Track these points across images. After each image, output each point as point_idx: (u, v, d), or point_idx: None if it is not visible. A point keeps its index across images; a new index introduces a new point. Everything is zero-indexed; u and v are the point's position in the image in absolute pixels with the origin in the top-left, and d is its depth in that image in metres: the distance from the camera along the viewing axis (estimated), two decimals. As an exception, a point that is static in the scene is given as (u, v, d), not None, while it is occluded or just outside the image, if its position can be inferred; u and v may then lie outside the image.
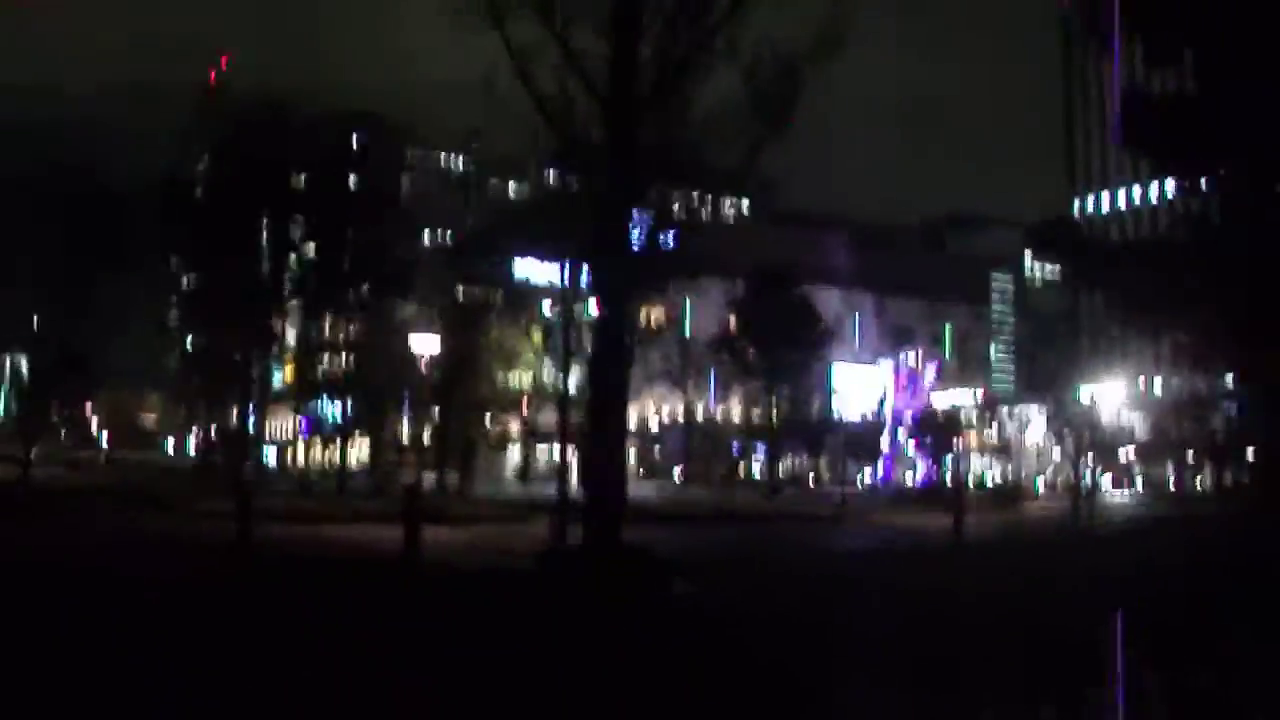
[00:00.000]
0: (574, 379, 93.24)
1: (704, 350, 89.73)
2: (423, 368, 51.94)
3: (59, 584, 21.30)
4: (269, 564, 26.59)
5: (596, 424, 25.34)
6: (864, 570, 31.90)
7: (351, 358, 75.31)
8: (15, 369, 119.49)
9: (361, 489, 61.20)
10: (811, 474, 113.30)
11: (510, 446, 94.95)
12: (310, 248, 69.20)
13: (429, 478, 66.28)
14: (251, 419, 69.34)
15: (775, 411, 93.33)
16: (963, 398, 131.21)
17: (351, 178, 74.35)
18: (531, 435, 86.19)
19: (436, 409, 75.16)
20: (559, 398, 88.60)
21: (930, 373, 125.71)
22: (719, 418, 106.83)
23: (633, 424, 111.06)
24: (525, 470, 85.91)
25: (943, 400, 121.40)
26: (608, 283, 26.18)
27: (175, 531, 34.76)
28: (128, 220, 64.10)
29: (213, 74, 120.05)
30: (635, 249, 27.46)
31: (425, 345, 55.08)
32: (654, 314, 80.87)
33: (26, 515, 37.91)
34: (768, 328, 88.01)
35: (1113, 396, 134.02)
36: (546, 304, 71.48)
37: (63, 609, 18.24)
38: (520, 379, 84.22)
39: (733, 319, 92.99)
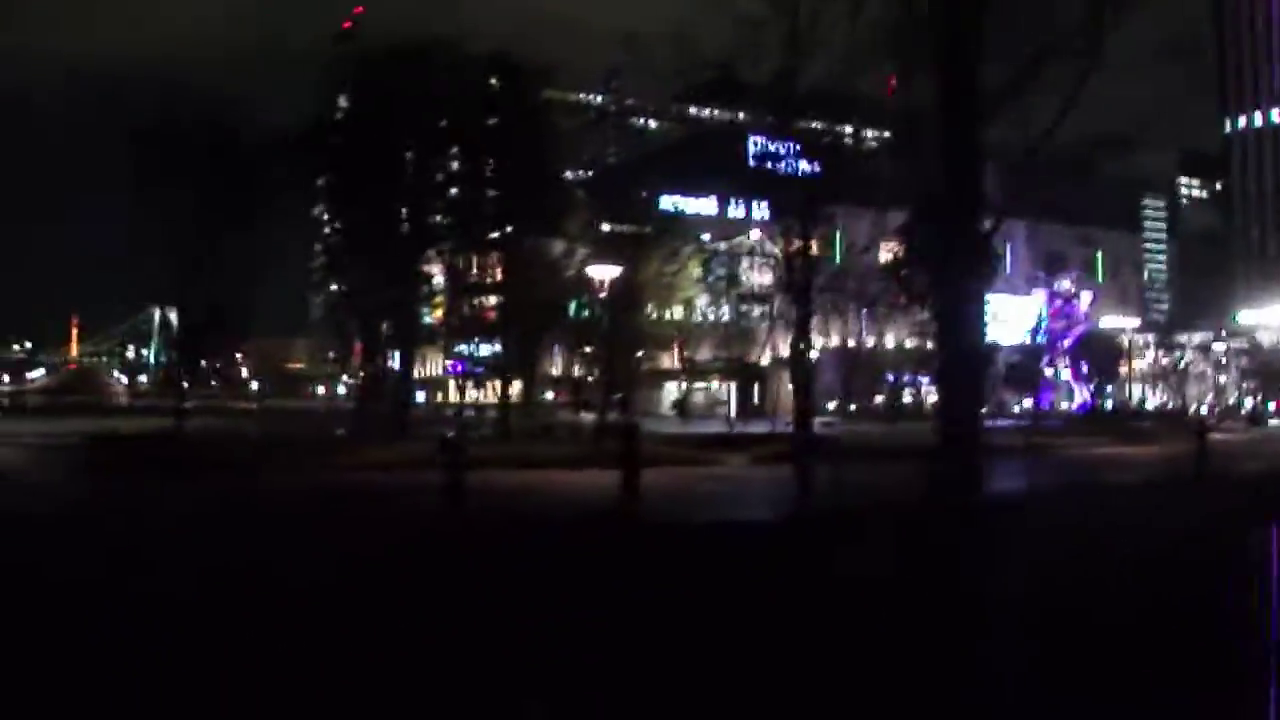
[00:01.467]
0: (724, 313, 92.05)
1: (864, 279, 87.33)
2: (599, 295, 49.90)
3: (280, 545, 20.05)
4: (489, 522, 24.42)
5: (952, 356, 22.69)
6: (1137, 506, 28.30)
7: (502, 297, 73.96)
8: (165, 321, 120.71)
9: (526, 430, 60.57)
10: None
11: (665, 384, 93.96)
12: (455, 187, 68.15)
13: (587, 417, 65.29)
14: (400, 362, 68.75)
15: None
16: (1120, 324, 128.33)
17: (493, 117, 73.03)
18: (689, 371, 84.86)
19: (589, 347, 74.20)
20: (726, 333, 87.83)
21: (1085, 299, 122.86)
22: (875, 348, 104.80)
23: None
24: (684, 406, 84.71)
25: (1100, 327, 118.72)
26: (959, 196, 23.93)
27: (360, 485, 33.21)
28: (269, 168, 63.41)
29: (347, 23, 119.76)
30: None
31: (604, 273, 52.92)
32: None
33: (188, 469, 35.77)
34: (936, 254, 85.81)
35: (1276, 321, 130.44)
36: (706, 236, 69.85)
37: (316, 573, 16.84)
38: (675, 314, 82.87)
39: (895, 248, 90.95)
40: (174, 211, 59.91)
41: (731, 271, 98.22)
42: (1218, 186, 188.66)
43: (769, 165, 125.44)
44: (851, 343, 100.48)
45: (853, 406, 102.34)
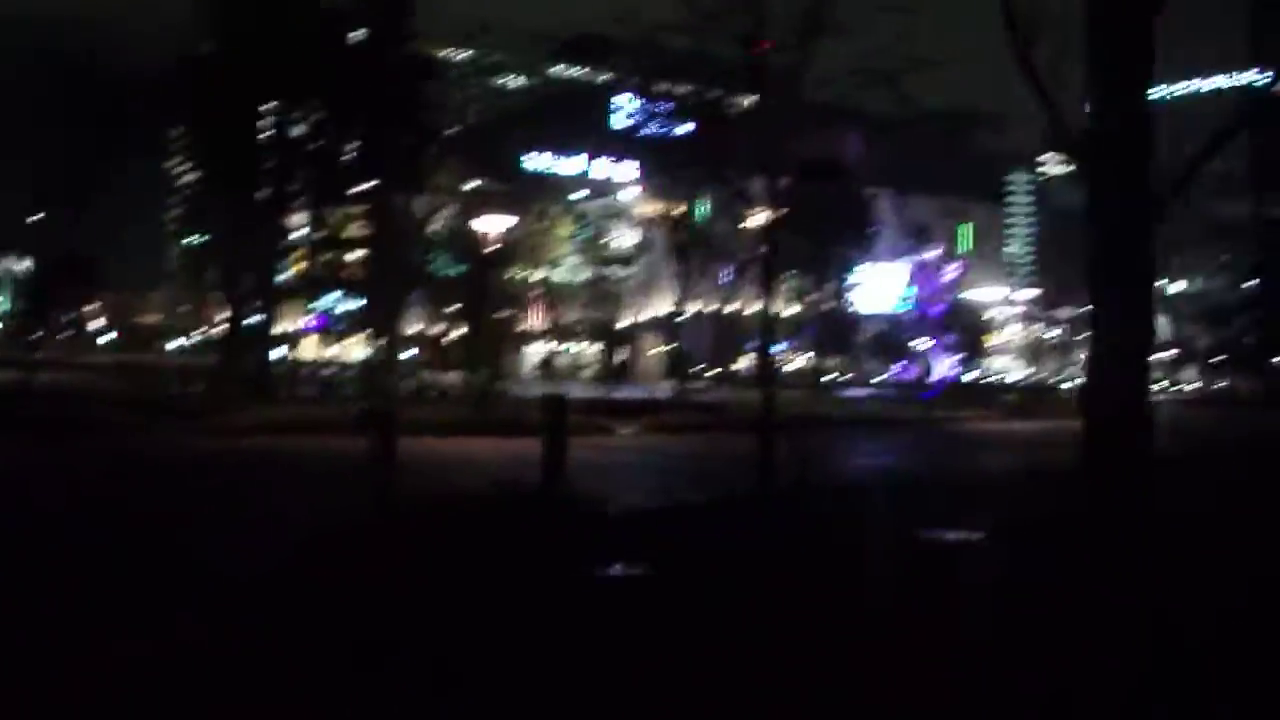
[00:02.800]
0: (587, 274, 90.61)
1: (725, 242, 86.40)
2: (483, 251, 47.15)
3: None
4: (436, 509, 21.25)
5: (1110, 316, 19.22)
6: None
7: (366, 252, 72.12)
8: (14, 272, 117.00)
9: (398, 391, 59.09)
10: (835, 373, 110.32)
11: (528, 346, 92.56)
12: (317, 139, 66.03)
13: (448, 377, 63.88)
14: (258, 318, 66.73)
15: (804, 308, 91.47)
16: (984, 297, 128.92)
17: (356, 67, 70.94)
18: (556, 332, 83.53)
19: (452, 306, 72.78)
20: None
21: (952, 270, 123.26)
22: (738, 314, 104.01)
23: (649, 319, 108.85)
24: (549, 368, 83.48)
25: (966, 299, 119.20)
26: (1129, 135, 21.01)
27: (241, 451, 30.83)
28: (127, 115, 61.13)
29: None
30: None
31: (492, 225, 49.70)
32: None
33: (38, 429, 32.34)
34: (816, 220, 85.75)
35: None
36: (580, 195, 68.46)
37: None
38: (539, 274, 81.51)
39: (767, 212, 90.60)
40: (33, 151, 57.77)
41: (598, 232, 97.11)
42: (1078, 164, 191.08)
43: (636, 127, 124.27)
44: (722, 308, 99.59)
45: (715, 371, 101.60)
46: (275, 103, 63.18)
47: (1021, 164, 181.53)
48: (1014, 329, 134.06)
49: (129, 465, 27.07)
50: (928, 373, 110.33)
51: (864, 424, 52.24)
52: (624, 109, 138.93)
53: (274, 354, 70.83)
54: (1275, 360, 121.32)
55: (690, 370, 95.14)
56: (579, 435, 38.13)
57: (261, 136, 63.07)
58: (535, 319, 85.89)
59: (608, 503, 16.99)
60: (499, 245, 66.18)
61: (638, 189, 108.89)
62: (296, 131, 64.43)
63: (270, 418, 36.98)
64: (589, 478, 20.12)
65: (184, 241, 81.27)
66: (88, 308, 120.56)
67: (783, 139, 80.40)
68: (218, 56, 63.28)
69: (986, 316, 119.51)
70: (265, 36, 59.79)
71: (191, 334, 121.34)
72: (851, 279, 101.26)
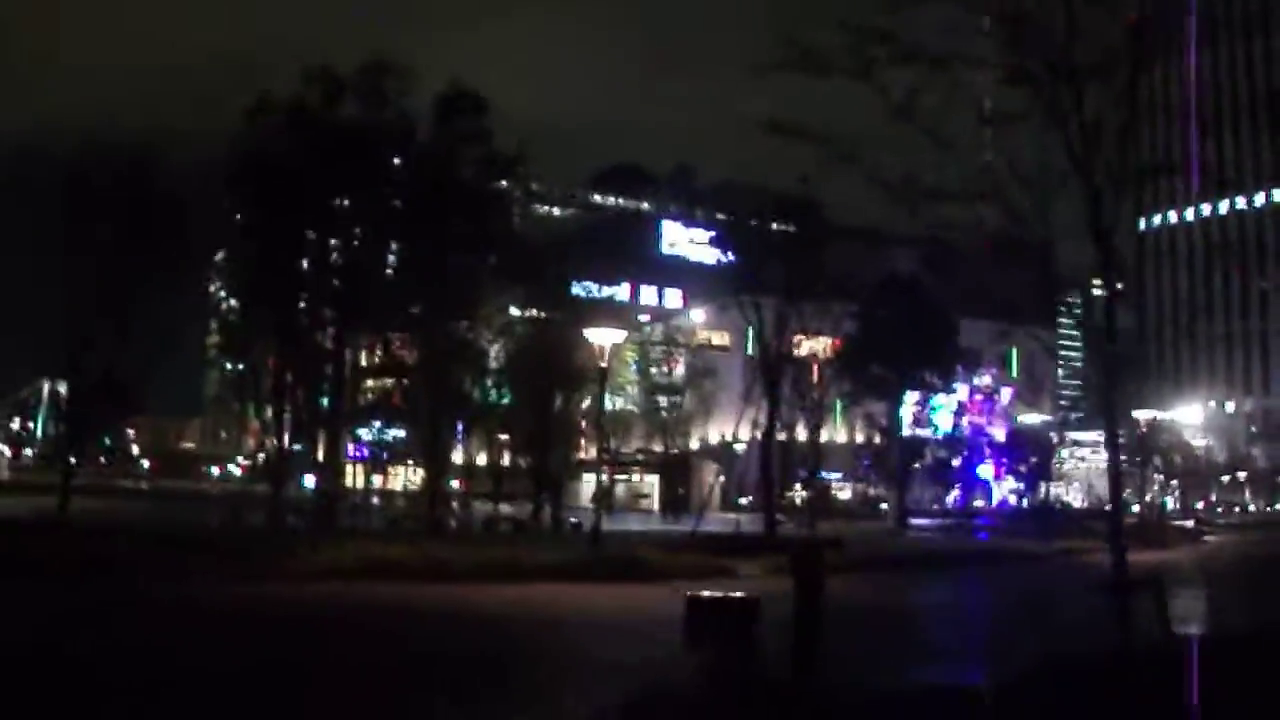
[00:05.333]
0: (639, 403, 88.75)
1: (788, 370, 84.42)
2: (599, 362, 43.97)
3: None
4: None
5: None
6: None
7: (411, 379, 70.16)
8: (54, 394, 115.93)
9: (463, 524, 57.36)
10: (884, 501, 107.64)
11: (583, 476, 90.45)
12: (358, 266, 64.33)
13: (506, 509, 62.10)
14: (300, 445, 64.83)
15: (877, 435, 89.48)
16: (1037, 420, 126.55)
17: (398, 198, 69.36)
18: (612, 462, 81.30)
19: (505, 435, 71.04)
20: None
21: (1005, 395, 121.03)
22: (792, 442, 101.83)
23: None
24: (607, 500, 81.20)
25: (1021, 423, 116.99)
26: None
27: (320, 603, 27.43)
28: (173, 231, 59.75)
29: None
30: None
31: (604, 337, 45.05)
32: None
33: (67, 570, 28.60)
34: (900, 340, 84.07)
35: (1189, 418, 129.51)
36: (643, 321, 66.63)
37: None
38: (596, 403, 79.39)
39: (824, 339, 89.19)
40: (74, 274, 56.49)
41: (653, 360, 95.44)
42: (1118, 285, 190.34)
43: (681, 253, 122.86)
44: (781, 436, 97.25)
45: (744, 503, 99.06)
46: (314, 232, 61.85)
47: (1073, 288, 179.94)
48: (1063, 452, 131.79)
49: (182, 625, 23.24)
50: (988, 500, 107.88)
51: (1002, 558, 49.46)
52: (668, 236, 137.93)
53: (309, 481, 68.58)
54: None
55: (741, 500, 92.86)
56: (700, 578, 35.84)
57: (309, 259, 61.80)
58: (590, 448, 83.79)
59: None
60: (569, 369, 64.72)
61: (695, 316, 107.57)
62: (335, 258, 63.08)
63: (336, 559, 33.58)
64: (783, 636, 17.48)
65: (225, 367, 79.53)
66: (127, 432, 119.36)
67: (840, 262, 79.13)
68: (273, 164, 61.48)
69: (1049, 439, 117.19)
70: (309, 169, 58.40)
71: (232, 462, 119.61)
72: (936, 402, 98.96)
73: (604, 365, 43.61)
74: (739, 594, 14.96)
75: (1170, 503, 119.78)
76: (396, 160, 62.81)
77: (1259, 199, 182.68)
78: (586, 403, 75.48)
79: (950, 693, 15.63)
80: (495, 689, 17.46)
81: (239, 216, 63.31)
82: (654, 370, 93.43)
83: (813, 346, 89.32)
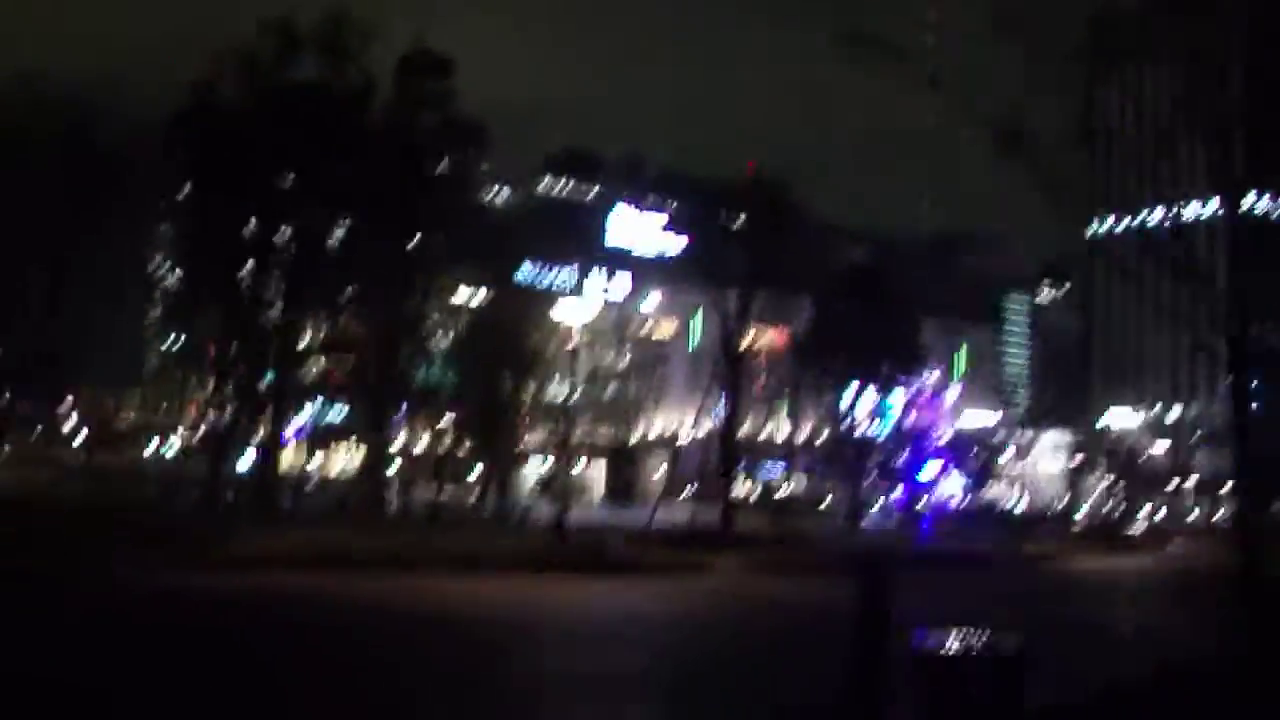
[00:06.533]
0: (598, 389, 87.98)
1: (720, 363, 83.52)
2: (550, 344, 42.16)
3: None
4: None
5: None
6: None
7: (356, 356, 68.63)
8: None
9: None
10: (830, 497, 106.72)
11: (523, 463, 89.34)
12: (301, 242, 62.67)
13: (453, 495, 61.39)
14: (242, 421, 63.20)
15: (822, 428, 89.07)
16: (983, 420, 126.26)
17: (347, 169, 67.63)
18: (561, 449, 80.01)
19: (449, 415, 70.02)
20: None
21: (952, 394, 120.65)
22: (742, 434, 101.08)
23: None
24: (554, 488, 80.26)
25: (967, 422, 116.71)
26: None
27: (257, 594, 25.25)
28: (114, 190, 58.27)
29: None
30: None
31: (572, 314, 42.74)
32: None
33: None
34: (860, 332, 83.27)
35: (1136, 422, 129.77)
36: (577, 307, 65.45)
37: None
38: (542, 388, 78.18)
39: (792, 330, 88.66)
40: (9, 230, 54.99)
41: (601, 347, 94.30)
42: (1066, 286, 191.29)
43: (633, 238, 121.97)
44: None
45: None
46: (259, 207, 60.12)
47: (1018, 287, 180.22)
48: (1010, 455, 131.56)
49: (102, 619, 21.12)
50: (929, 500, 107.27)
51: (961, 562, 47.86)
52: (620, 220, 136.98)
53: (245, 463, 66.69)
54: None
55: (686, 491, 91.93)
56: (672, 573, 34.85)
57: (250, 230, 60.12)
58: (535, 435, 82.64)
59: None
60: (519, 351, 63.74)
61: (647, 302, 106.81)
62: (291, 220, 61.33)
63: (276, 545, 31.87)
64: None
65: (168, 339, 77.98)
66: (60, 405, 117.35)
67: (797, 254, 78.41)
68: (220, 118, 59.49)
69: (996, 440, 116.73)
70: (257, 144, 56.79)
71: (171, 438, 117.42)
72: (889, 399, 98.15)
73: (567, 345, 43.18)
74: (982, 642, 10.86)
75: (1114, 509, 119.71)
76: (352, 122, 60.60)
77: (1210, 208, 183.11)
78: (533, 387, 74.24)
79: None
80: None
81: (184, 175, 61.27)
82: (602, 356, 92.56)
83: (769, 338, 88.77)
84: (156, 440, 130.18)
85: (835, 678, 12.96)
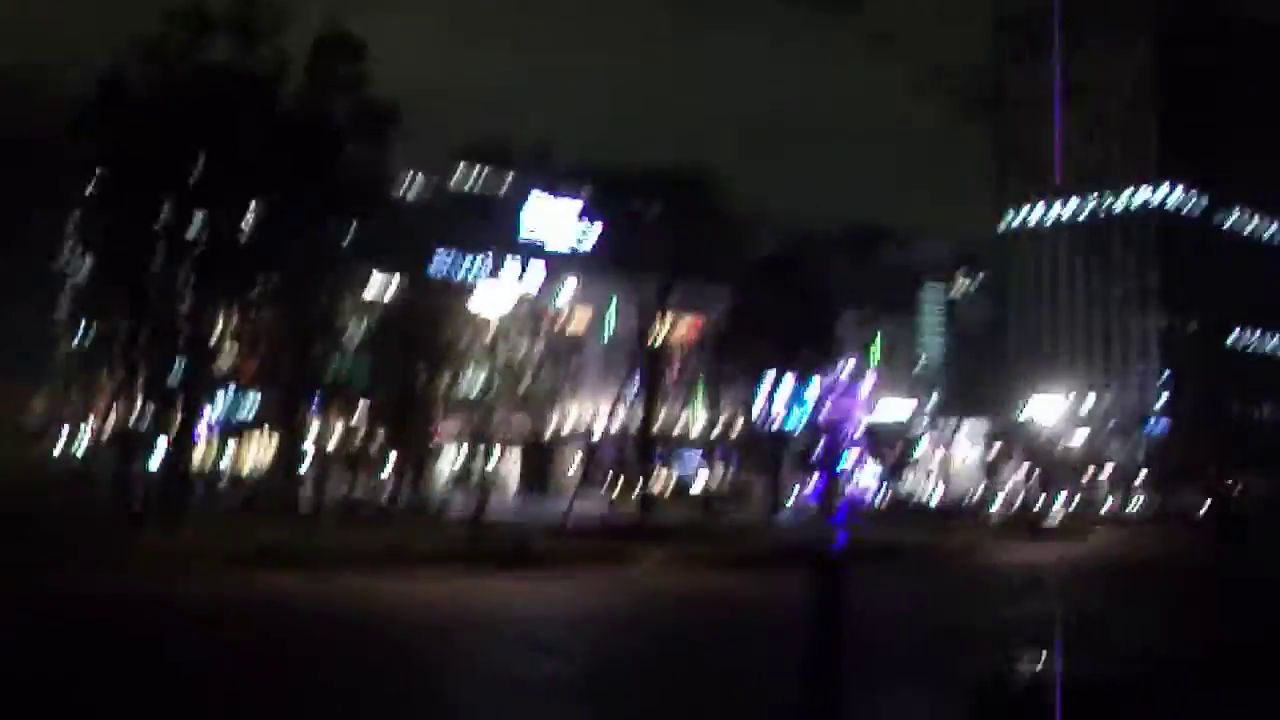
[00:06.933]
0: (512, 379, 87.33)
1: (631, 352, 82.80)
2: (485, 334, 41.72)
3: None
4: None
5: None
6: None
7: (267, 348, 67.77)
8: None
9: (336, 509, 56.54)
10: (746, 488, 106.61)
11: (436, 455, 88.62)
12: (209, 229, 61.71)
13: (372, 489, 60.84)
14: (149, 416, 62.14)
15: (738, 419, 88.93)
16: (899, 411, 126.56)
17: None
18: (477, 441, 79.33)
19: (365, 405, 69.44)
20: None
21: (868, 384, 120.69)
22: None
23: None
24: (468, 477, 79.75)
25: (883, 413, 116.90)
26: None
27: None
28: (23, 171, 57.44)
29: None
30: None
31: (490, 304, 42.16)
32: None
33: None
34: (779, 322, 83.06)
35: (1053, 412, 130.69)
36: (492, 298, 64.70)
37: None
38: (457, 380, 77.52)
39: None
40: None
41: (515, 337, 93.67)
42: (980, 276, 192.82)
43: (547, 227, 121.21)
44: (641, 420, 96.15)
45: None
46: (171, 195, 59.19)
47: (934, 278, 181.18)
48: (926, 446, 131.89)
49: None
50: (844, 491, 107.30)
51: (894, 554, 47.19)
52: (533, 213, 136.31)
53: (155, 460, 65.49)
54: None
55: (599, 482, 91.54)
56: (594, 566, 34.24)
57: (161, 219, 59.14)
58: (449, 427, 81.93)
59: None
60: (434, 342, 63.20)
61: (561, 292, 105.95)
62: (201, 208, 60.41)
63: (189, 544, 30.86)
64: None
65: (76, 332, 76.71)
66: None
67: (714, 244, 78.24)
68: (128, 103, 58.55)
69: (909, 432, 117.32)
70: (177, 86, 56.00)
71: (80, 433, 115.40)
72: (810, 391, 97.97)
73: (482, 336, 42.68)
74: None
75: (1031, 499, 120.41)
76: (263, 104, 59.74)
77: (1123, 200, 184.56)
78: (448, 379, 73.69)
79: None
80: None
81: (92, 164, 60.35)
82: (518, 347, 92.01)
83: (685, 327, 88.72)
84: (65, 436, 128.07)
85: (784, 678, 12.75)
